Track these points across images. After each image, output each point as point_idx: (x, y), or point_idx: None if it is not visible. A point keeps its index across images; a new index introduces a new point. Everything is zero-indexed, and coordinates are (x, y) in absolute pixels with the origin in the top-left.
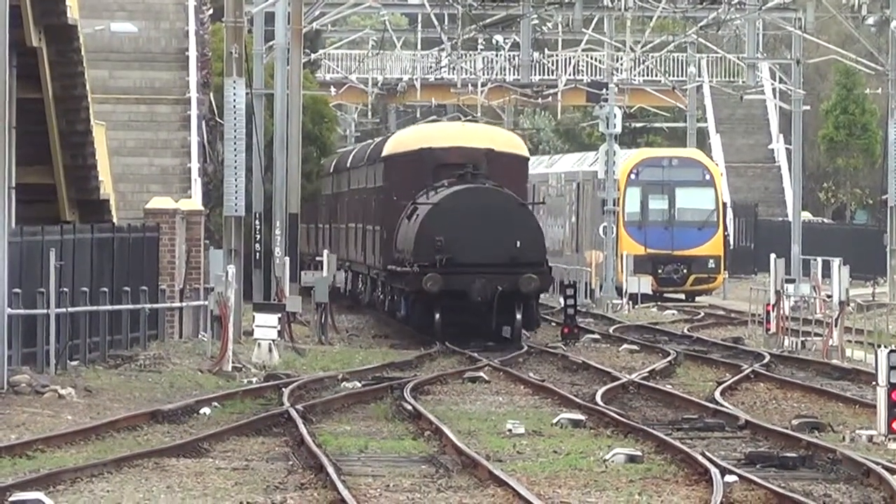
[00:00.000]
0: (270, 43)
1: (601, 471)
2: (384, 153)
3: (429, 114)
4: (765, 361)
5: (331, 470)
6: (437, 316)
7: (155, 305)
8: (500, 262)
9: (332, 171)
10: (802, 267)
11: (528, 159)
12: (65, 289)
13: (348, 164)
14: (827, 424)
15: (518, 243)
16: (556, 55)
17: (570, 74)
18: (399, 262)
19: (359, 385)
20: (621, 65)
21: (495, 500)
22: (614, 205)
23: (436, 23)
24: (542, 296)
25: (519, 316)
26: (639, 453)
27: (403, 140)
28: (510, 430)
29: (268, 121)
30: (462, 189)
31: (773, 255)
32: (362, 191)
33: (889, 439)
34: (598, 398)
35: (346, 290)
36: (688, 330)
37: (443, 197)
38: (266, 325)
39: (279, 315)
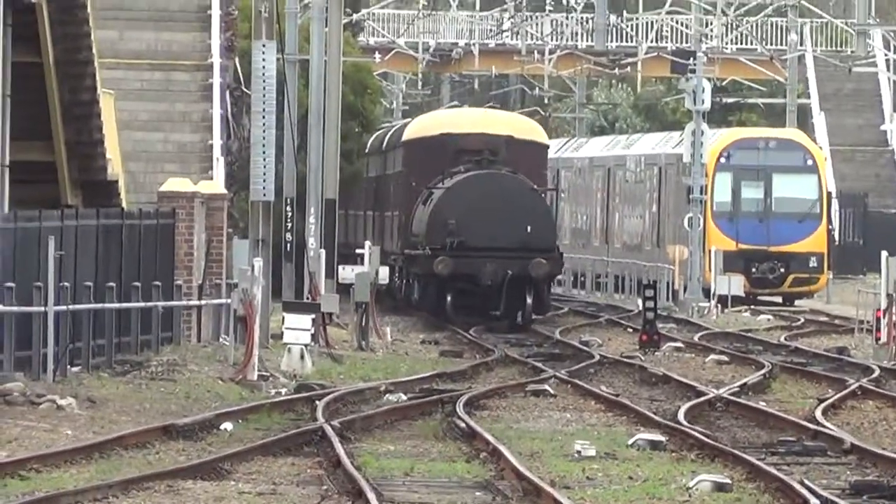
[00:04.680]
0: (306, 1)
1: (684, 500)
2: (404, 137)
3: (488, 85)
4: (874, 376)
5: (371, 496)
6: (449, 299)
7: (169, 304)
8: (511, 247)
9: (372, 151)
10: None
11: (547, 147)
12: (65, 283)
13: (383, 146)
14: None
15: (529, 228)
16: (637, 19)
17: (651, 41)
18: (414, 247)
19: (404, 398)
20: (711, 30)
21: None
22: (701, 193)
23: None
24: (616, 296)
25: (529, 300)
26: (728, 481)
27: (424, 125)
28: (579, 453)
29: (302, 91)
30: (475, 174)
31: (884, 253)
32: (386, 177)
33: None
34: (680, 416)
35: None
36: (785, 338)
37: (456, 182)
38: (297, 328)
39: (313, 316)
